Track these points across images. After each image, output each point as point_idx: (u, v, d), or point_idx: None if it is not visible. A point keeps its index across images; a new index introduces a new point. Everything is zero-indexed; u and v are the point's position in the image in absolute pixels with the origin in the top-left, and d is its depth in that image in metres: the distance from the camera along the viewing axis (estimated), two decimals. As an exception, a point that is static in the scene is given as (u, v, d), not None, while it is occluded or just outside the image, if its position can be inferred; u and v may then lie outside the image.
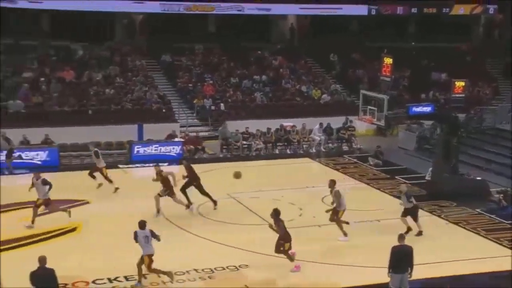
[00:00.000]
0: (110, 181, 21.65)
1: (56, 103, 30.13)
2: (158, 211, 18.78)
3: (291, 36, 40.43)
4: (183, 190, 19.57)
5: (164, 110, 31.70)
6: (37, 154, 25.81)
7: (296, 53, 38.65)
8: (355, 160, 27.62)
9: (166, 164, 26.23)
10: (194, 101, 32.97)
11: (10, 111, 28.93)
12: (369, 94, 26.90)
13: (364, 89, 29.30)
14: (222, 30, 39.31)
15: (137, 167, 26.40)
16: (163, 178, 19.01)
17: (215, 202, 19.90)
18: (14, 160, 24.59)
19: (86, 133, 27.68)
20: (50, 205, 18.05)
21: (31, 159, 25.35)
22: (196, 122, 32.45)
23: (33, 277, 11.48)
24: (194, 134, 30.09)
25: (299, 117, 31.68)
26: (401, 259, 12.86)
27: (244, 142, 29.31)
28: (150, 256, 13.85)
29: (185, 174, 19.81)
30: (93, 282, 14.17)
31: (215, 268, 15.08)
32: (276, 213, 15.06)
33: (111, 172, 22.34)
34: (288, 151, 29.89)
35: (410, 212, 17.70)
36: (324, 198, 19.89)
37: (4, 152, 24.66)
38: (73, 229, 17.83)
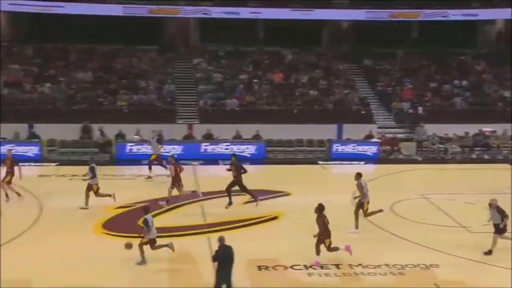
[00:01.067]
0: (104, 195, 18.84)
1: (266, 103, 31.28)
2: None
3: (497, 40, 37.71)
4: (227, 189, 18.92)
5: (363, 112, 31.42)
6: (247, 148, 27.02)
7: (501, 58, 35.92)
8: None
9: (362, 162, 26.03)
10: (392, 104, 32.24)
11: (227, 108, 30.64)
12: None
13: None
14: (425, 36, 37.86)
15: (335, 164, 26.48)
16: None
17: (256, 199, 19.01)
18: None
19: (290, 130, 28.43)
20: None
21: (241, 152, 26.58)
22: (393, 124, 31.69)
23: (215, 254, 11.97)
24: (391, 135, 29.43)
25: (500, 123, 29.50)
26: None
27: (440, 146, 28.02)
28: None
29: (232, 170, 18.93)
30: (291, 267, 14.44)
31: (406, 265, 14.59)
32: (319, 209, 14.48)
33: (310, 168, 22.51)
34: (486, 156, 28.00)
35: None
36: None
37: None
38: (275, 218, 18.33)
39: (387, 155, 27.68)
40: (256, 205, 18.95)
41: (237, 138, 27.84)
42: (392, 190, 20.56)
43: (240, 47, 35.59)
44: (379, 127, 30.25)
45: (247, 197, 19.38)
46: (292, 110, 30.87)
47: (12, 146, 24.67)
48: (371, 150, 27.54)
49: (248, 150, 26.96)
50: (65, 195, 20.06)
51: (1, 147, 24.54)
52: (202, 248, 15.33)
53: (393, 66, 35.61)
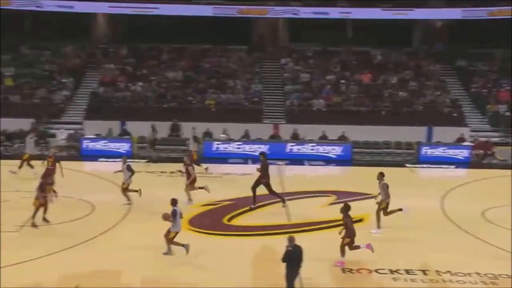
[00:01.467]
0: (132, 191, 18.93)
1: (353, 103, 30.86)
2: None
3: None
4: (253, 188, 18.34)
5: (455, 114, 30.35)
6: (333, 149, 26.77)
7: None
8: None
9: (453, 166, 25.15)
10: (487, 107, 30.93)
11: (313, 108, 30.49)
12: None
13: None
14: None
15: (424, 167, 25.72)
16: None
17: (283, 200, 18.46)
18: None
19: (378, 132, 27.90)
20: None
21: (327, 153, 26.35)
22: (487, 127, 30.41)
23: (285, 254, 11.86)
24: (484, 139, 28.22)
25: None
26: None
27: (540, 151, 26.58)
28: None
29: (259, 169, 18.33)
30: (375, 271, 14.14)
31: (499, 275, 13.91)
32: (345, 208, 14.33)
33: (397, 171, 21.93)
34: None
35: None
36: None
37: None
38: (360, 220, 18.01)
39: (480, 159, 26.58)
40: (283, 206, 18.54)
41: (323, 139, 27.64)
42: (484, 196, 19.67)
43: (328, 47, 35.35)
44: (472, 130, 29.14)
45: (332, 198, 19.16)
46: (380, 112, 30.29)
47: (106, 142, 25.74)
48: (462, 154, 26.55)
49: (334, 151, 26.70)
50: (154, 191, 20.60)
51: (96, 143, 25.64)
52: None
53: (491, 66, 34.13)
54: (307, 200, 19.21)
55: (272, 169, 22.27)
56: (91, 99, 30.40)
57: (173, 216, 14.46)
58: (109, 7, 32.68)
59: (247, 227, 17.13)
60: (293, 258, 11.84)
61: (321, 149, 26.34)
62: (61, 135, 26.04)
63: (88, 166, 24.16)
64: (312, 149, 26.46)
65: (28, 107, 29.11)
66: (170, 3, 32.76)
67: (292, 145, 26.85)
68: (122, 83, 31.42)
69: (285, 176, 23.05)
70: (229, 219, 17.73)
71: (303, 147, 26.78)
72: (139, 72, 32.64)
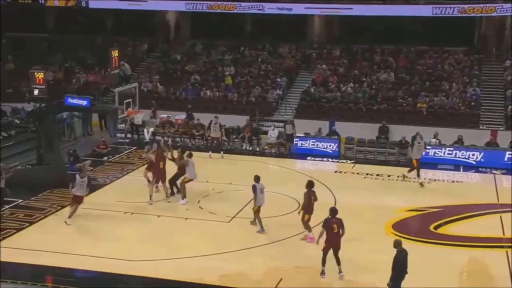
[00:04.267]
0: None
1: None
2: None
3: None
4: None
5: None
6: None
7: None
8: None
9: None
10: None
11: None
12: None
13: None
14: None
15: None
16: None
17: None
18: None
19: None
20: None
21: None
22: None
23: (395, 259, 11.95)
24: None
25: None
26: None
27: None
28: None
29: None
30: None
31: None
32: (308, 185, 15.55)
33: None
34: None
35: None
36: None
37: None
38: None
39: None
40: None
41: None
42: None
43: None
44: None
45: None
46: None
47: (314, 142, 26.33)
48: None
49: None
50: (358, 192, 20.63)
51: (305, 141, 26.35)
52: (501, 263, 14.29)
53: None
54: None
55: (488, 179, 21.01)
56: (302, 98, 31.30)
57: (254, 192, 16.12)
58: (321, 9, 33.41)
59: (456, 236, 16.35)
60: (400, 264, 11.87)
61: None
62: (272, 133, 27.15)
63: (297, 164, 24.90)
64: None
65: (244, 105, 30.92)
66: (390, 4, 32.43)
67: (511, 154, 24.86)
68: (333, 84, 31.85)
69: (501, 187, 21.51)
70: (436, 227, 17.09)
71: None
72: (351, 73, 32.81)
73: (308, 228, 15.66)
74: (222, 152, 25.36)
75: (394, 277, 11.95)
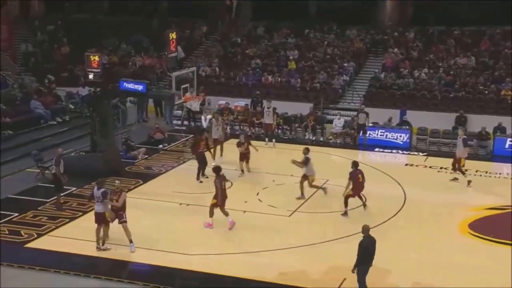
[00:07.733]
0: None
1: None
2: None
3: None
4: None
5: None
6: None
7: None
8: None
9: None
10: None
11: None
12: None
13: None
14: None
15: None
16: None
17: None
18: None
19: None
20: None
21: None
22: None
23: (360, 245, 12.32)
24: None
25: None
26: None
27: None
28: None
29: None
30: None
31: None
32: (215, 170, 16.32)
33: None
34: None
35: None
36: None
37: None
38: None
39: None
40: None
41: None
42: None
43: None
44: None
45: None
46: None
47: (383, 132, 25.92)
48: None
49: None
50: (431, 188, 20.19)
51: (373, 131, 25.97)
52: None
53: None
54: None
55: None
56: (370, 85, 30.86)
57: (306, 164, 17.98)
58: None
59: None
60: (367, 251, 12.19)
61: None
62: (338, 122, 26.86)
63: (364, 156, 24.55)
64: None
65: (308, 91, 30.73)
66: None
67: None
68: (406, 69, 31.22)
69: None
70: (517, 227, 16.56)
71: None
72: (426, 57, 32.07)
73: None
74: (274, 140, 25.30)
75: (358, 262, 12.27)
